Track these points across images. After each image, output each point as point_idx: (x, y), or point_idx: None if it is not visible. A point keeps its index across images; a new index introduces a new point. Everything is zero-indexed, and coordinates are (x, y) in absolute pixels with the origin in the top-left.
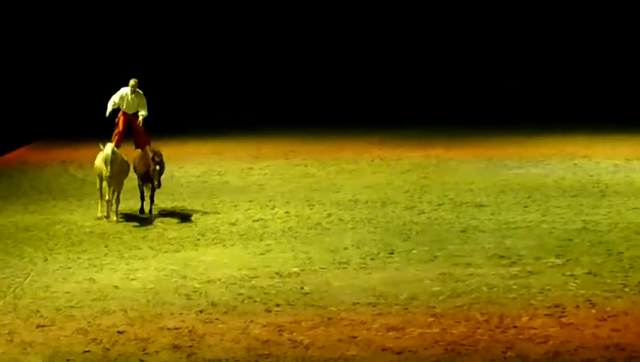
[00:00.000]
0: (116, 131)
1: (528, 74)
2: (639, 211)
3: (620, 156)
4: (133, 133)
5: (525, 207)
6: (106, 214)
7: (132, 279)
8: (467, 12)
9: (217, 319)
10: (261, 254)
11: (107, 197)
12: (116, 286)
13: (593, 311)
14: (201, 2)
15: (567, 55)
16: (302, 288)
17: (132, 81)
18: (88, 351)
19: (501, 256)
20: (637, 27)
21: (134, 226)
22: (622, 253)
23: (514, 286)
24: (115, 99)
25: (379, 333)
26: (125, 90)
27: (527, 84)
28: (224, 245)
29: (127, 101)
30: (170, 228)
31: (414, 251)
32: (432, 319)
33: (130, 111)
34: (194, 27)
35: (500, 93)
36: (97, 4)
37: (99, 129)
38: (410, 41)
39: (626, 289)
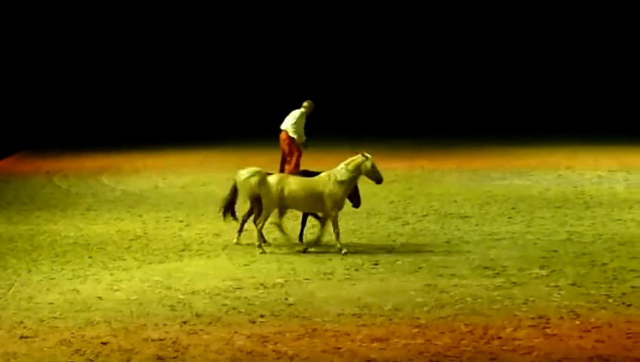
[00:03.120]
0: (296, 160)
1: (512, 86)
2: (623, 222)
3: (604, 167)
4: (288, 157)
5: (510, 218)
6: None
7: (116, 290)
8: (452, 25)
9: (201, 330)
10: (245, 265)
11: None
12: (100, 297)
13: (577, 322)
14: (183, 14)
15: (551, 68)
16: (286, 299)
17: (309, 103)
18: None
19: (485, 267)
20: (620, 41)
21: (118, 237)
22: (606, 264)
23: (498, 297)
24: (301, 127)
25: (363, 344)
26: (302, 113)
27: (511, 97)
28: (208, 256)
29: (303, 125)
30: (154, 239)
31: (399, 262)
32: (416, 330)
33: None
34: (177, 36)
35: (484, 105)
36: (71, 18)
37: (83, 140)
38: (396, 53)
39: (610, 301)
